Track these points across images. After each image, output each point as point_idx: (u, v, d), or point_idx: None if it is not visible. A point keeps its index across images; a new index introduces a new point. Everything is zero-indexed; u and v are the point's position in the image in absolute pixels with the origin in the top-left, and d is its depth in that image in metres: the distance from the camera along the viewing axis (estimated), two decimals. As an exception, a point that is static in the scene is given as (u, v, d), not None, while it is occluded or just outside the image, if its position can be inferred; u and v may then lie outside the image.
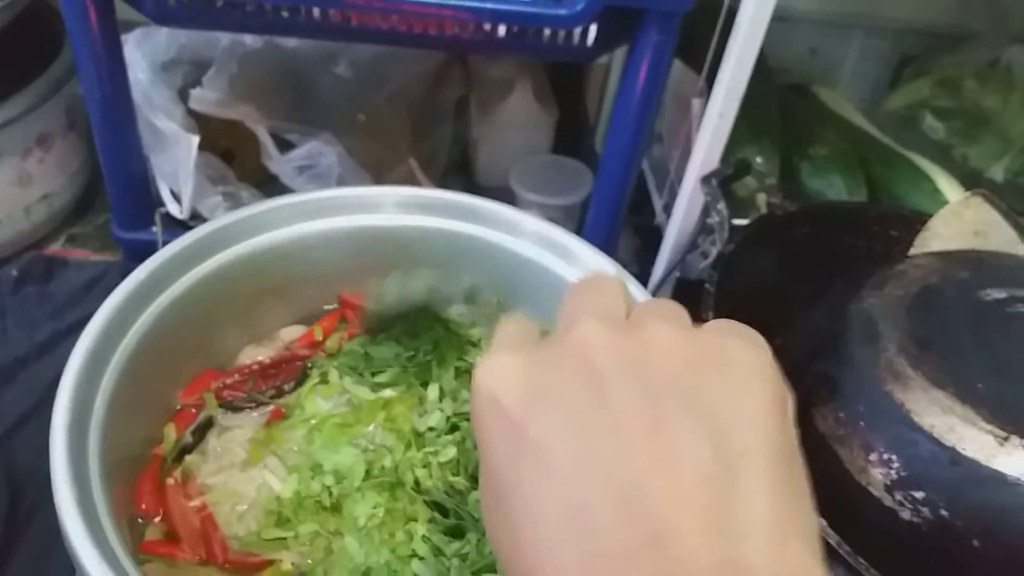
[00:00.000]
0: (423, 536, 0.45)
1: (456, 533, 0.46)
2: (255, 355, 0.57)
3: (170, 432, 0.51)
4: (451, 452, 0.49)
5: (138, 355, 0.47)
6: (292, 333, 0.59)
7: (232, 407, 0.53)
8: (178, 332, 0.51)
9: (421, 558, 0.45)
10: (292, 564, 0.46)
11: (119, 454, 0.44)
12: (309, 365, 0.55)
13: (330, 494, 0.48)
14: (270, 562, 0.46)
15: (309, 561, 0.46)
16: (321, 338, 0.58)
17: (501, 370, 0.26)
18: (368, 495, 0.48)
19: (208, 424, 0.52)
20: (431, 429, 0.50)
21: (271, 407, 0.54)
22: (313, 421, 0.52)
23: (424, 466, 0.49)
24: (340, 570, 0.45)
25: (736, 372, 0.25)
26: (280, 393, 0.54)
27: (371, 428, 0.51)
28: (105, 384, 0.45)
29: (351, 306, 0.60)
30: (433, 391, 0.52)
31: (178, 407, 0.53)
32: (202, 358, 0.55)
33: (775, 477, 0.23)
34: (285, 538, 0.47)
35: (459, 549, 0.45)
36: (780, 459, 0.23)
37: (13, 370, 0.74)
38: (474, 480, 0.48)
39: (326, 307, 0.60)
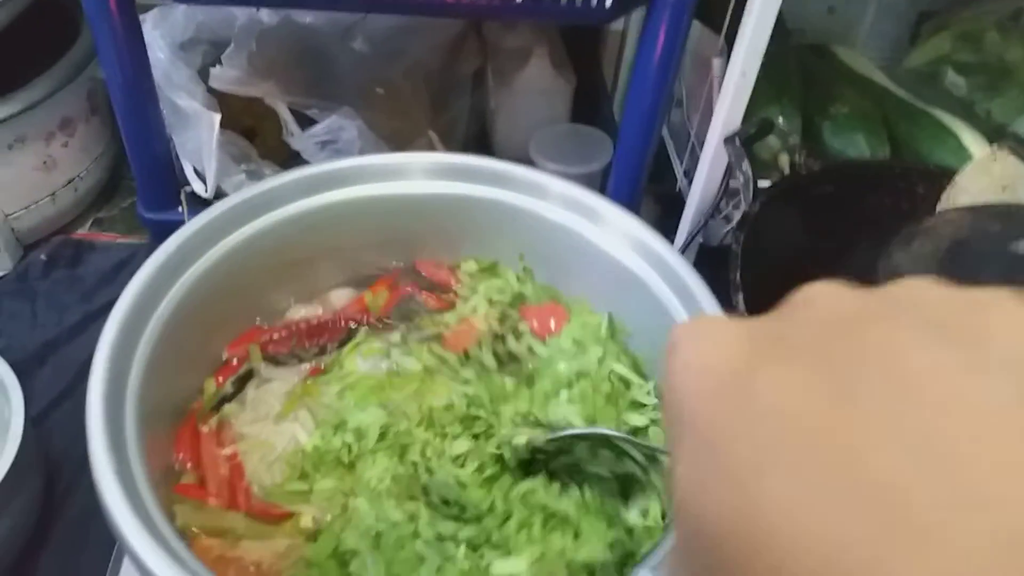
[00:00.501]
0: (427, 522, 0.46)
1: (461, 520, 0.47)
2: (303, 313, 0.58)
3: (210, 385, 0.53)
4: (464, 446, 0.49)
5: (177, 315, 0.48)
6: (341, 295, 0.60)
7: (275, 360, 0.55)
8: (221, 293, 0.52)
9: (425, 540, 0.45)
10: (312, 519, 0.47)
11: (159, 406, 0.46)
12: (353, 327, 0.56)
13: (349, 451, 0.49)
14: (290, 515, 0.47)
15: (328, 518, 0.47)
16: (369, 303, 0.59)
17: (710, 329, 0.21)
18: (380, 458, 0.49)
19: (249, 375, 0.54)
20: (448, 408, 0.51)
21: (311, 364, 0.55)
22: (349, 379, 0.53)
23: (435, 442, 0.49)
24: (354, 530, 0.46)
25: (1007, 302, 0.19)
26: (323, 351, 0.56)
27: (400, 397, 0.52)
28: (145, 340, 0.46)
29: (427, 277, 0.61)
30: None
31: (224, 359, 0.54)
32: (250, 315, 0.56)
33: None
34: (305, 492, 0.48)
35: (468, 536, 0.45)
36: None
37: (44, 353, 0.75)
38: (488, 482, 0.48)
39: (377, 272, 0.61)
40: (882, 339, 0.18)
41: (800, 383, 0.18)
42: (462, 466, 0.48)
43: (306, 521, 0.47)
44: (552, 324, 0.57)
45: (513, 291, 0.59)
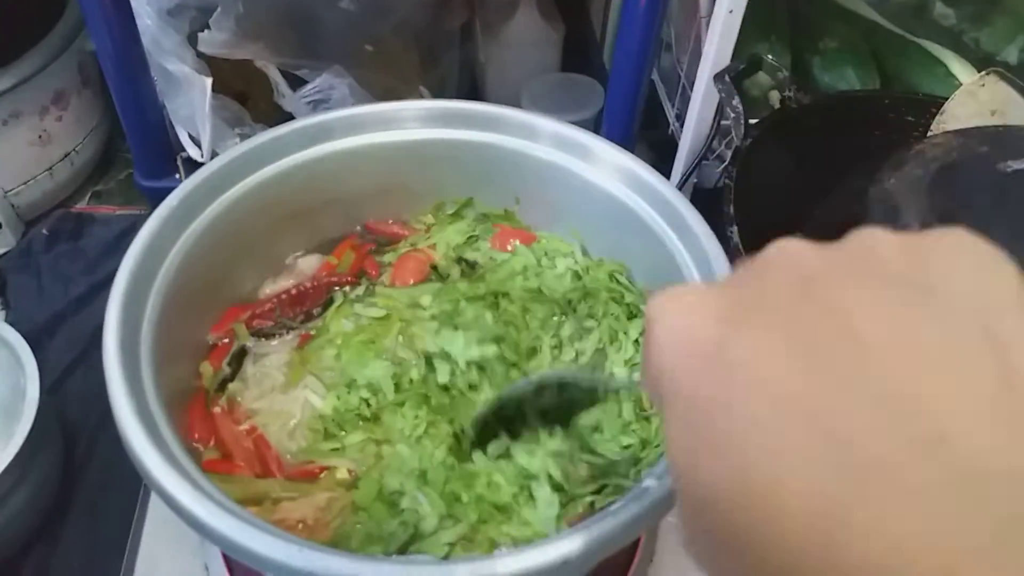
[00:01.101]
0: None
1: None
2: (276, 288, 0.58)
3: (206, 368, 0.53)
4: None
5: (169, 298, 0.48)
6: (310, 262, 0.60)
7: (263, 334, 0.55)
8: (206, 267, 0.52)
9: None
10: (348, 471, 0.48)
11: (167, 389, 0.46)
12: (337, 290, 0.57)
13: (368, 405, 0.50)
14: (325, 471, 0.48)
15: (363, 467, 0.48)
16: (337, 264, 0.60)
17: (683, 299, 0.23)
18: (405, 409, 0.50)
19: (242, 353, 0.54)
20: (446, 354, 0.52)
21: (300, 332, 0.55)
22: (339, 341, 0.54)
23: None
24: (395, 472, 0.47)
25: (966, 253, 0.20)
26: (309, 317, 0.56)
27: (391, 343, 0.53)
28: (145, 331, 0.46)
29: (376, 232, 0.61)
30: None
31: (210, 342, 0.54)
32: (226, 295, 0.56)
33: None
34: (337, 448, 0.49)
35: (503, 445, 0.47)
36: None
37: (53, 325, 0.76)
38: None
39: (340, 234, 0.62)
40: (838, 300, 0.20)
41: (770, 350, 0.20)
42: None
43: (342, 473, 0.48)
44: (513, 244, 0.60)
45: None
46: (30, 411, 0.56)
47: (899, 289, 0.20)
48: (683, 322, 0.22)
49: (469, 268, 0.59)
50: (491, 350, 0.50)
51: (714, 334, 0.21)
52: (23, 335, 0.61)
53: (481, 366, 0.50)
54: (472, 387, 0.50)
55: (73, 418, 0.68)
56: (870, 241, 0.21)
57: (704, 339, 0.21)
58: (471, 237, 0.61)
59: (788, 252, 0.22)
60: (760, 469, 0.19)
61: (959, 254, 0.20)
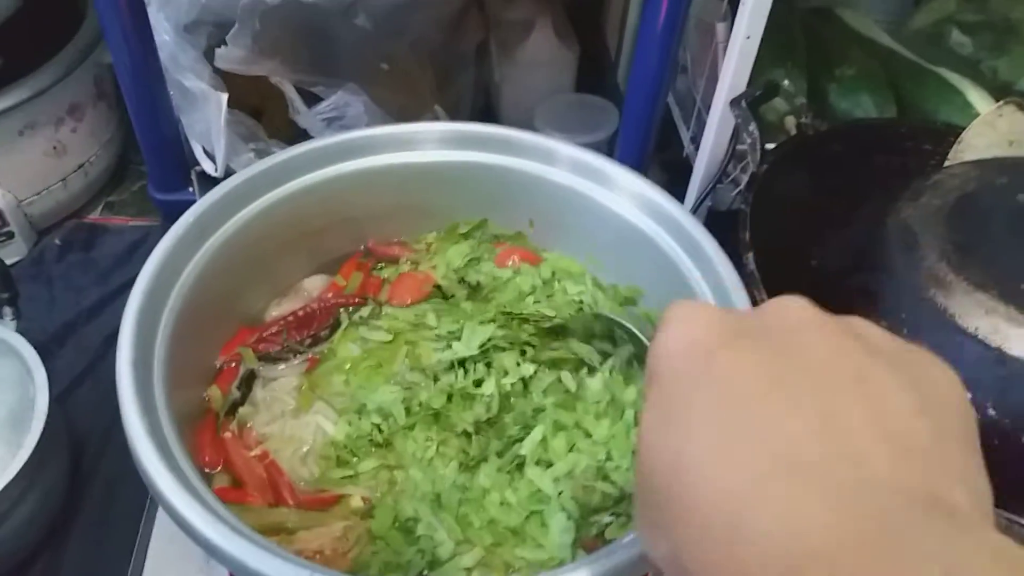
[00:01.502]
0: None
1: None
2: (282, 310, 0.58)
3: (215, 391, 0.52)
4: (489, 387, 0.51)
5: (182, 318, 0.48)
6: (315, 283, 0.60)
7: (270, 359, 0.55)
8: (218, 287, 0.52)
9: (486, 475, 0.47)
10: (362, 499, 0.47)
11: (177, 411, 0.46)
12: (349, 310, 0.57)
13: (380, 431, 0.50)
14: (339, 499, 0.48)
15: (377, 494, 0.47)
16: (345, 285, 0.60)
17: (697, 312, 0.26)
18: (416, 433, 0.49)
19: (251, 377, 0.54)
20: (461, 364, 0.52)
21: (308, 355, 0.55)
22: (347, 366, 0.54)
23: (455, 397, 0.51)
24: (410, 498, 0.46)
25: (934, 364, 0.25)
26: (317, 341, 0.56)
27: (399, 367, 0.53)
28: (158, 351, 0.45)
29: (379, 255, 0.61)
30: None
31: (218, 366, 0.54)
32: (236, 316, 0.56)
33: (976, 448, 0.23)
34: (351, 475, 0.49)
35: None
36: (976, 438, 0.23)
37: (63, 335, 0.76)
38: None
39: (345, 253, 0.61)
40: (809, 344, 0.24)
41: (750, 364, 0.24)
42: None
43: (356, 501, 0.47)
44: (513, 260, 0.60)
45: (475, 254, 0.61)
46: (39, 422, 0.56)
47: (875, 353, 0.24)
48: (689, 328, 0.26)
49: (473, 290, 0.59)
50: (498, 333, 0.52)
51: (709, 341, 0.25)
52: (33, 344, 0.61)
53: (488, 362, 0.51)
54: (478, 383, 0.51)
55: (81, 428, 0.68)
56: (862, 324, 0.26)
57: (700, 343, 0.25)
58: (472, 259, 0.60)
59: (787, 304, 0.26)
60: (696, 457, 0.22)
61: (932, 364, 0.25)
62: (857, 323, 0.26)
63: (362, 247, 0.62)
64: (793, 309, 0.26)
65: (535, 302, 0.57)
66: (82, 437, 0.68)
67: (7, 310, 0.64)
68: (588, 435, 0.48)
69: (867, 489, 0.20)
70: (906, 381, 0.23)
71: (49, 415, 0.56)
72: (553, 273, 0.59)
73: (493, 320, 0.54)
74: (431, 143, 0.56)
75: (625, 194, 0.54)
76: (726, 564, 0.21)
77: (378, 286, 0.60)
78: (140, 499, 0.63)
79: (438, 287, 0.59)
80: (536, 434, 0.48)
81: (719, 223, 0.74)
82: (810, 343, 0.24)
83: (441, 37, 0.86)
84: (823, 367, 0.23)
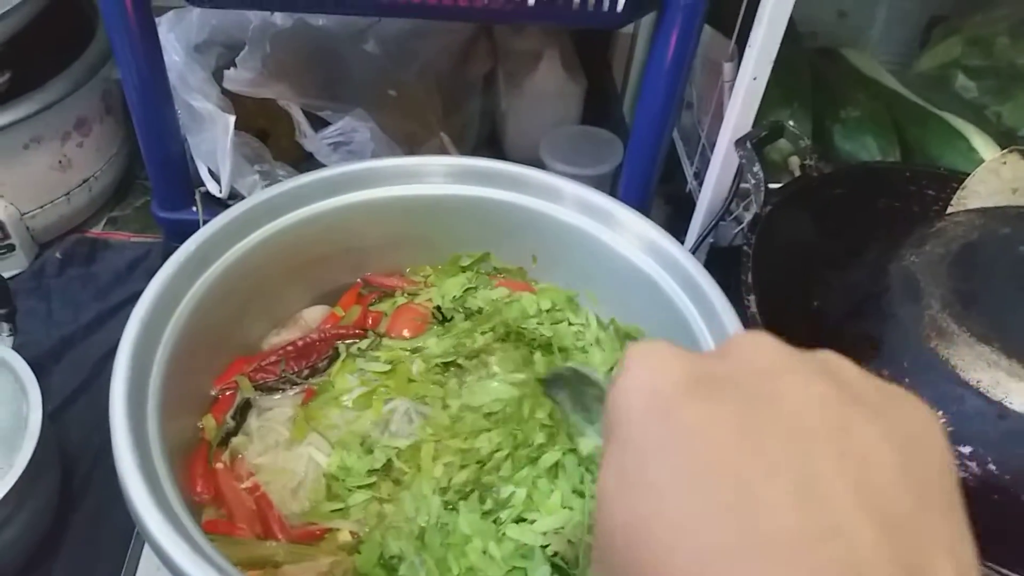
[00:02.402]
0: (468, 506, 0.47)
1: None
2: (280, 339, 0.58)
3: (209, 421, 0.52)
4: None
5: (179, 348, 0.47)
6: (314, 314, 0.60)
7: (266, 388, 0.55)
8: (217, 316, 0.51)
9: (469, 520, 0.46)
10: (350, 534, 0.47)
11: (170, 442, 0.45)
12: (348, 343, 0.57)
13: (390, 464, 0.50)
14: (327, 532, 0.47)
15: (366, 529, 0.47)
16: (343, 316, 0.60)
17: (656, 356, 0.24)
18: (424, 473, 0.49)
19: (247, 406, 0.54)
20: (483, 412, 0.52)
21: (305, 386, 0.55)
22: (344, 398, 0.53)
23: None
24: (396, 535, 0.46)
25: (912, 404, 0.24)
26: (315, 372, 0.56)
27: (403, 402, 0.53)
28: (152, 381, 0.45)
29: (376, 286, 0.61)
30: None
31: (214, 394, 0.54)
32: (233, 345, 0.55)
33: (957, 505, 0.22)
34: (341, 509, 0.48)
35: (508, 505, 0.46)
36: (956, 492, 0.22)
37: (60, 350, 0.76)
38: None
39: (344, 284, 0.61)
40: (781, 392, 0.22)
41: (718, 417, 0.22)
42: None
43: (344, 536, 0.47)
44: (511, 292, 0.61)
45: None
46: (31, 442, 0.55)
47: (853, 398, 0.22)
48: (651, 379, 0.24)
49: (473, 314, 0.59)
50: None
51: (673, 392, 0.23)
52: (29, 360, 0.60)
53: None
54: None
55: (73, 446, 0.67)
56: (836, 362, 0.24)
57: (663, 393, 0.23)
58: (469, 289, 0.61)
59: (754, 342, 0.24)
60: (671, 519, 0.21)
61: (910, 405, 0.23)
62: (831, 361, 0.24)
63: (359, 279, 0.62)
64: (762, 350, 0.24)
65: (538, 324, 0.58)
66: (74, 455, 0.67)
67: (4, 326, 0.63)
68: (581, 496, 0.48)
69: (848, 569, 0.19)
70: (887, 429, 0.22)
71: (41, 434, 0.56)
72: (553, 304, 0.59)
73: (493, 330, 0.54)
74: (437, 176, 0.56)
75: (629, 234, 0.54)
76: None
77: (378, 319, 0.59)
78: (129, 521, 0.61)
79: (437, 308, 0.59)
80: (520, 493, 0.47)
81: (720, 258, 0.75)
82: (782, 391, 0.22)
83: (449, 65, 0.86)
84: (798, 419, 0.22)
